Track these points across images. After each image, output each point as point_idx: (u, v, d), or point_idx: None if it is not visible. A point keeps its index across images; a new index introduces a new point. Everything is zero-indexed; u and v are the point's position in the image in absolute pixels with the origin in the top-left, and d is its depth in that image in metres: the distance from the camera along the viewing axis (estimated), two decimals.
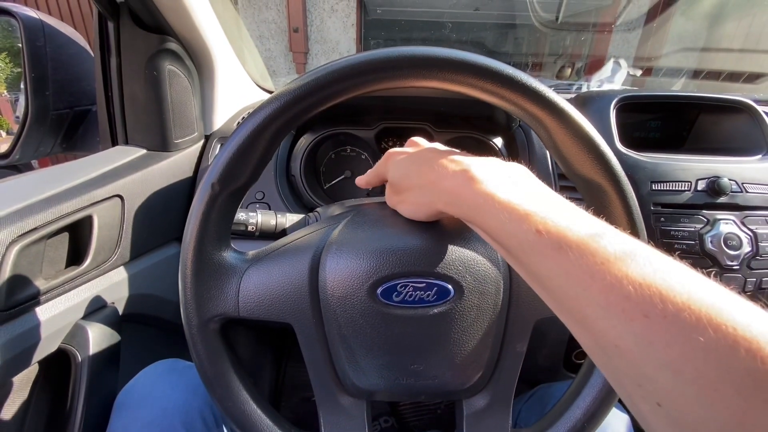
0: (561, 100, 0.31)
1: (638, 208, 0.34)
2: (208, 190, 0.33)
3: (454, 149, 0.34)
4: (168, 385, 0.45)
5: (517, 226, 0.23)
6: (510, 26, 4.49)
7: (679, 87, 1.33)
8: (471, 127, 0.73)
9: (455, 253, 0.34)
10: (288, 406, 1.01)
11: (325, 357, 0.37)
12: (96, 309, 0.52)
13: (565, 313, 0.21)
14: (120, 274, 0.56)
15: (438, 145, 0.36)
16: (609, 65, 1.15)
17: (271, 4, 4.47)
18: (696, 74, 1.31)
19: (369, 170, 0.42)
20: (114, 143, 0.68)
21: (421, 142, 0.39)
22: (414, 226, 0.35)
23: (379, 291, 0.34)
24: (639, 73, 1.21)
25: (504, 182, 0.26)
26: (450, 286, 0.34)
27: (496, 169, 0.28)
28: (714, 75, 1.22)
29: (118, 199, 0.56)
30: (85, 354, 0.49)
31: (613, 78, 1.15)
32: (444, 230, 0.35)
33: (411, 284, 0.34)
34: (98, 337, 0.50)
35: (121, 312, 0.56)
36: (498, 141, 0.72)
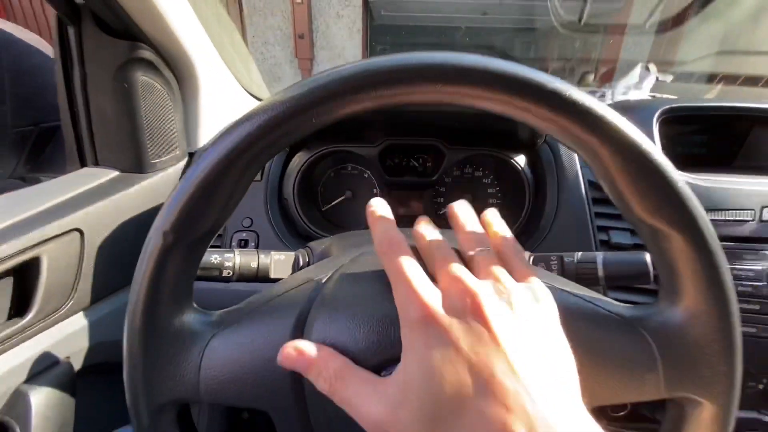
0: (624, 123, 0.23)
1: (727, 268, 0.25)
2: (159, 241, 0.25)
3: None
4: None
5: None
6: (520, 30, 4.40)
7: (714, 94, 1.23)
8: (489, 142, 0.64)
9: None
10: None
11: None
12: (44, 368, 0.44)
13: None
14: (77, 323, 0.48)
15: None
16: (637, 70, 1.06)
17: (277, 10, 4.44)
18: (732, 80, 1.20)
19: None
20: (83, 164, 0.60)
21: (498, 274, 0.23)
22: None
23: (383, 374, 0.25)
24: (670, 78, 1.11)
25: None
26: None
27: None
28: (752, 80, 1.12)
29: (76, 234, 0.48)
30: (25, 426, 0.40)
31: (641, 84, 1.06)
32: None
33: None
34: (43, 404, 0.41)
35: (78, 367, 0.48)
36: (520, 159, 0.63)
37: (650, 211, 0.24)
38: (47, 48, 0.60)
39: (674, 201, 0.23)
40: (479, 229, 0.27)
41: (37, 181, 0.73)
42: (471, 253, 0.25)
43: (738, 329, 0.25)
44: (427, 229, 0.26)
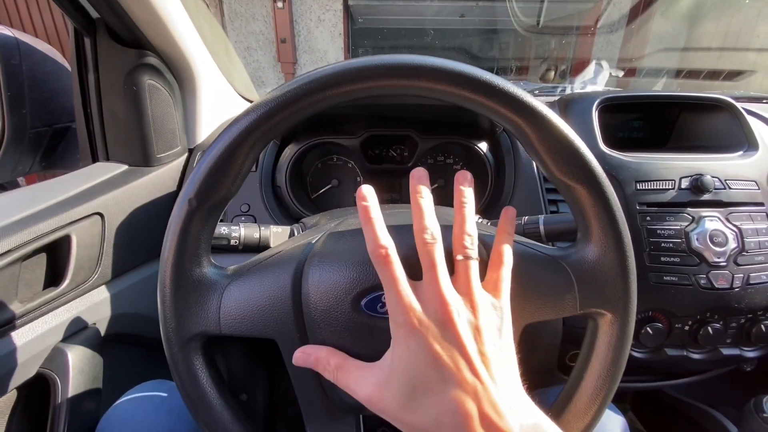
0: (538, 104, 0.31)
1: (621, 210, 0.34)
2: (185, 206, 0.32)
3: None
4: (151, 408, 0.43)
5: None
6: (495, 31, 4.55)
7: (660, 86, 1.36)
8: (456, 132, 0.73)
9: None
10: (284, 420, 0.99)
11: (311, 372, 0.36)
12: (76, 331, 0.51)
13: None
14: (101, 294, 0.55)
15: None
16: (591, 67, 1.17)
17: (258, 15, 4.48)
18: (677, 73, 1.33)
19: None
20: (94, 160, 0.67)
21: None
22: (398, 235, 0.34)
23: (363, 302, 0.33)
24: (621, 74, 1.22)
25: None
26: None
27: None
28: (694, 74, 1.25)
29: (98, 217, 0.55)
30: (64, 378, 0.47)
31: (596, 79, 1.17)
32: None
33: None
34: (79, 360, 0.48)
35: (103, 332, 0.55)
36: (483, 146, 0.72)
37: (563, 171, 0.33)
38: (58, 56, 0.67)
39: (579, 162, 0.32)
40: (473, 228, 0.31)
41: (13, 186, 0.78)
42: (459, 258, 0.29)
43: (631, 257, 0.34)
44: (429, 225, 0.29)
